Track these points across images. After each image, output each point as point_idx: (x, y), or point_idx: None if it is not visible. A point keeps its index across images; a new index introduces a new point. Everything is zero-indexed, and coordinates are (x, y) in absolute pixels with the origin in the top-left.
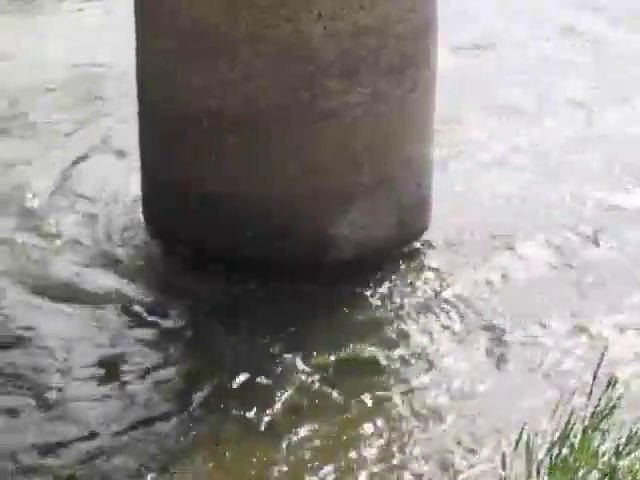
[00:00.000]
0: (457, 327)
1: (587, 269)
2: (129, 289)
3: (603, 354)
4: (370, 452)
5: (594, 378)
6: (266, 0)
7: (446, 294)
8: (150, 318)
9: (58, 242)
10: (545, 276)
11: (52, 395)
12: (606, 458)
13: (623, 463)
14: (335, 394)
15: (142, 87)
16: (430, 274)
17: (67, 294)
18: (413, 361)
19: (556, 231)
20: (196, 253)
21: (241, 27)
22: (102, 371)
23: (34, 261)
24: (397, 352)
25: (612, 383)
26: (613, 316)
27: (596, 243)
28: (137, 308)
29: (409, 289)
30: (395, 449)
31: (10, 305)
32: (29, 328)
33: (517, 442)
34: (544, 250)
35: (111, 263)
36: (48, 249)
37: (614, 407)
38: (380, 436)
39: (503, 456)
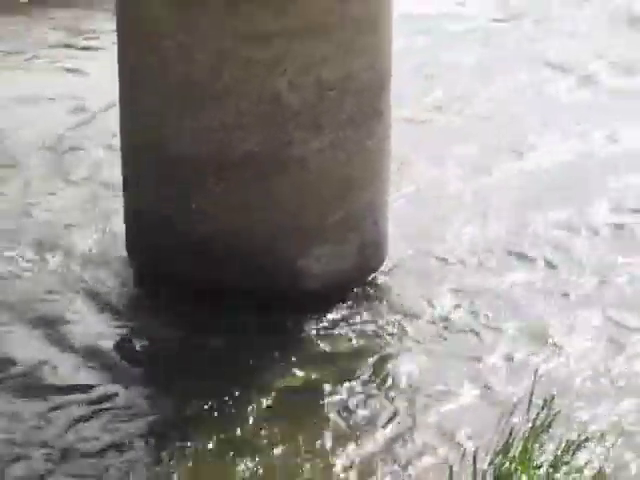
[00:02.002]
0: (414, 352)
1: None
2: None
3: (536, 372)
4: None
5: (531, 396)
6: (242, 58)
7: (401, 319)
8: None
9: None
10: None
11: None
12: (544, 469)
13: (559, 474)
14: (286, 425)
15: (127, 133)
16: (387, 302)
17: None
18: (374, 390)
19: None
20: (179, 285)
21: (222, 82)
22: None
23: None
24: (358, 379)
25: (548, 401)
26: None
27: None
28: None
29: (369, 315)
30: None
31: None
32: None
33: (463, 454)
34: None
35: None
36: None
37: (551, 422)
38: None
39: (450, 468)
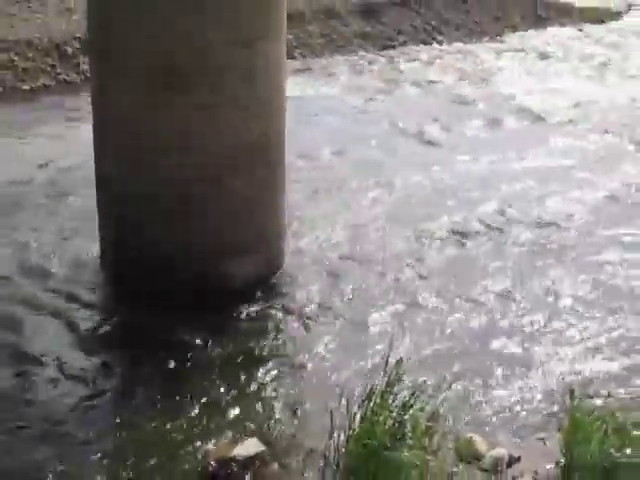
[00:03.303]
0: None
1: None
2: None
3: (390, 341)
4: None
5: (386, 361)
6: (187, 123)
7: (298, 304)
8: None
9: None
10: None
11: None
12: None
13: (407, 415)
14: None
15: (102, 179)
16: (286, 294)
17: None
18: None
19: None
20: (139, 284)
21: (170, 142)
22: None
23: None
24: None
25: (399, 362)
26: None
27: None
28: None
29: (276, 300)
30: None
31: None
32: None
33: (340, 402)
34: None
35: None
36: None
37: (400, 377)
38: None
39: (331, 412)
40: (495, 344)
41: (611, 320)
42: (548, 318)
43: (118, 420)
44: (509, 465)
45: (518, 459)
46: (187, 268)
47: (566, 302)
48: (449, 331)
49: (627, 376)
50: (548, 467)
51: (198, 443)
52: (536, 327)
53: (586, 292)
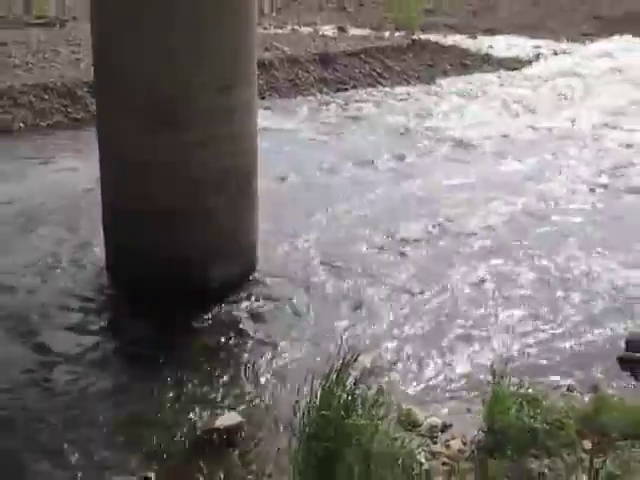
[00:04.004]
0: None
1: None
2: None
3: (340, 344)
4: None
5: (340, 346)
6: (168, 158)
7: (271, 300)
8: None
9: None
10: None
11: None
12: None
13: (358, 390)
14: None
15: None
16: (261, 290)
17: None
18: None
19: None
20: (139, 286)
21: (160, 169)
22: None
23: None
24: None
25: (352, 348)
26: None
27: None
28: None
29: (252, 297)
30: None
31: None
32: None
33: (305, 381)
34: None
35: None
36: None
37: (354, 360)
38: None
39: (297, 390)
40: (434, 331)
41: (541, 309)
42: (484, 308)
43: (124, 401)
44: (442, 431)
45: (450, 426)
46: (177, 272)
47: (502, 293)
48: (399, 320)
49: (545, 363)
50: (474, 432)
51: (190, 415)
52: (471, 316)
53: (522, 284)
